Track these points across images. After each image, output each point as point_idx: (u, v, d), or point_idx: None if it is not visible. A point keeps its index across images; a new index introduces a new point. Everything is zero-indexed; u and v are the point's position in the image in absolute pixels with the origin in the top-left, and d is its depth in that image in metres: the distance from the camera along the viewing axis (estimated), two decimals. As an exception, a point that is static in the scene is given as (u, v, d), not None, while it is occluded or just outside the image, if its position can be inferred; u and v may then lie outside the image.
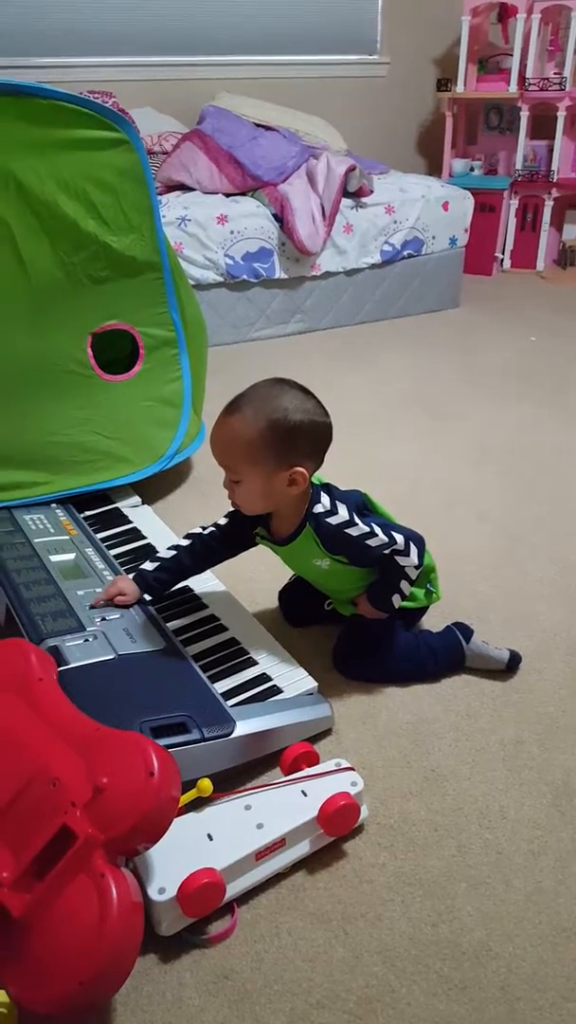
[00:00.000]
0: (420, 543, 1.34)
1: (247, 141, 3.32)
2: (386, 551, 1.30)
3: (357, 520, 1.29)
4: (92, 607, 1.39)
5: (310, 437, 1.23)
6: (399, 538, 1.31)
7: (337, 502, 1.30)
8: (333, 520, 1.28)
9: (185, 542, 1.41)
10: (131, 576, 1.43)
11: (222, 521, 1.40)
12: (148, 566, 1.42)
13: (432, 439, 2.37)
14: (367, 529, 1.28)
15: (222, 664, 1.32)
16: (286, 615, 1.57)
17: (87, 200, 1.67)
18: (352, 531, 1.28)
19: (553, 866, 1.08)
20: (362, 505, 1.37)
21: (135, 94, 3.60)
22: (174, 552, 1.41)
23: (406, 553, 1.32)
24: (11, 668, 1.10)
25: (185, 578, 1.46)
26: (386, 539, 1.29)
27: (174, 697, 1.19)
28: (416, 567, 1.34)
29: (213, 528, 1.40)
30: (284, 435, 1.19)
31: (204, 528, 1.42)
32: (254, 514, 1.31)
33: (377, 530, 1.29)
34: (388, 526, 1.32)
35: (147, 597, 1.42)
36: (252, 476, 1.22)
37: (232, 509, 1.37)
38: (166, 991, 0.95)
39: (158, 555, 1.43)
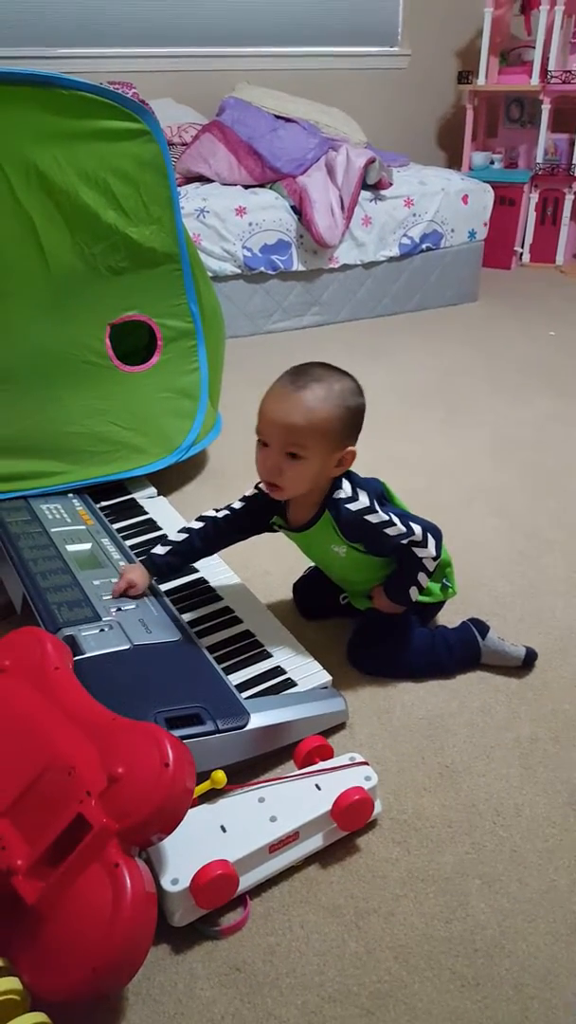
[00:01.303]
0: (438, 535, 1.35)
1: (267, 133, 3.31)
2: (404, 541, 1.30)
3: (377, 508, 1.29)
4: (111, 597, 1.40)
5: (362, 419, 1.27)
6: (417, 529, 1.31)
7: (358, 489, 1.30)
8: (353, 506, 1.28)
9: (197, 525, 1.41)
10: (141, 560, 1.43)
11: (237, 505, 1.39)
12: (159, 550, 1.41)
13: (450, 433, 2.36)
14: (386, 518, 1.29)
15: (236, 656, 1.32)
16: (300, 608, 1.57)
17: (108, 191, 1.67)
18: (371, 518, 1.28)
19: (568, 864, 1.08)
20: (381, 495, 1.37)
21: (155, 85, 3.59)
22: (186, 535, 1.40)
23: (424, 544, 1.32)
24: (28, 657, 1.10)
25: (195, 560, 1.47)
26: (404, 529, 1.29)
27: (189, 688, 1.19)
28: (434, 559, 1.34)
29: (227, 512, 1.39)
30: (354, 415, 1.24)
31: (218, 511, 1.40)
32: (294, 495, 1.28)
33: (396, 520, 1.29)
34: (407, 516, 1.32)
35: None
36: (317, 453, 1.21)
37: (249, 494, 1.38)
38: (178, 982, 0.95)
39: (169, 539, 1.42)
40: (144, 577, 1.41)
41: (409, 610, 1.41)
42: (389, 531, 1.29)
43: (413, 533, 1.30)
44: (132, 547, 1.62)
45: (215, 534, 1.41)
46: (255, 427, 1.23)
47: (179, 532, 1.42)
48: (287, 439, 1.20)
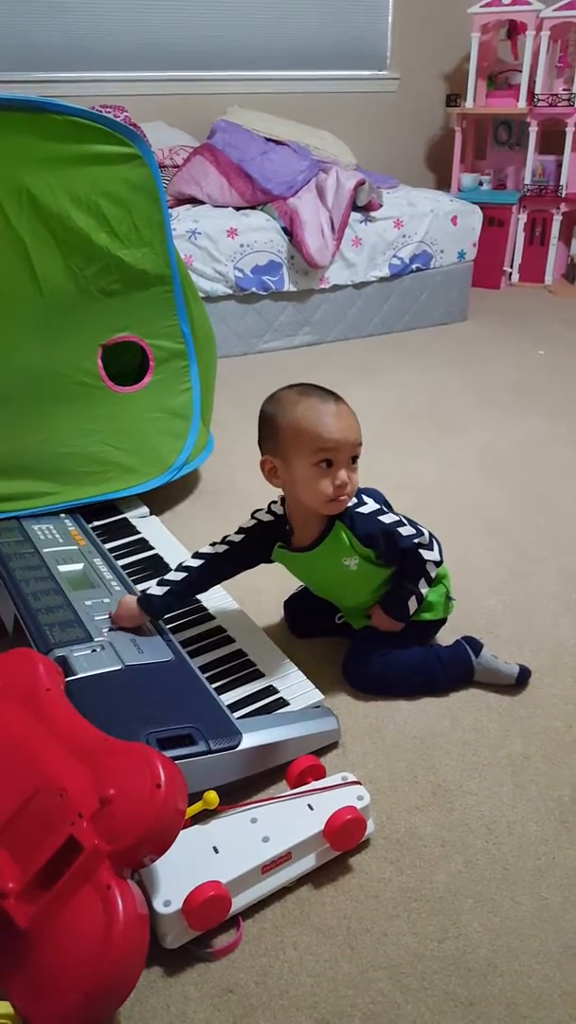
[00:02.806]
0: (439, 543, 1.40)
1: (257, 155, 3.34)
2: (415, 540, 1.34)
3: (386, 510, 1.35)
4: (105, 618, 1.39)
5: None
6: (425, 531, 1.36)
7: (363, 495, 1.35)
8: (364, 510, 1.33)
9: (195, 563, 1.38)
10: (138, 599, 1.37)
11: (235, 538, 1.38)
12: (157, 590, 1.36)
13: (440, 452, 2.38)
14: (397, 518, 1.34)
15: (229, 676, 1.33)
16: (291, 626, 1.57)
17: (99, 214, 1.69)
18: (384, 519, 1.33)
19: (560, 883, 1.08)
20: (384, 501, 1.42)
21: (146, 108, 3.63)
22: (184, 574, 1.37)
23: (430, 547, 1.37)
24: (19, 678, 1.10)
25: (192, 597, 1.46)
26: (414, 530, 1.34)
27: (181, 709, 1.19)
28: (437, 563, 1.38)
29: (226, 546, 1.38)
30: None
31: (214, 545, 1.39)
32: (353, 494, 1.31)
33: (405, 520, 1.35)
34: (412, 521, 1.37)
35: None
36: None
37: (247, 525, 1.38)
38: (170, 1004, 0.94)
39: (167, 578, 1.38)
40: (135, 618, 1.36)
41: (405, 628, 1.42)
42: (401, 530, 1.33)
43: (422, 534, 1.35)
44: (125, 567, 1.62)
45: (214, 571, 1.39)
46: (316, 455, 1.23)
47: (177, 571, 1.38)
48: (355, 450, 1.26)
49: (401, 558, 1.36)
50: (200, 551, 1.40)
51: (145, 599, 1.36)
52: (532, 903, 1.05)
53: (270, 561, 1.41)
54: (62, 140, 1.61)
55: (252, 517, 1.39)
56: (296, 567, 1.43)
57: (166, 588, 1.37)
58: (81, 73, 3.63)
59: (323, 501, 1.26)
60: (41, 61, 3.56)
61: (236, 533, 1.39)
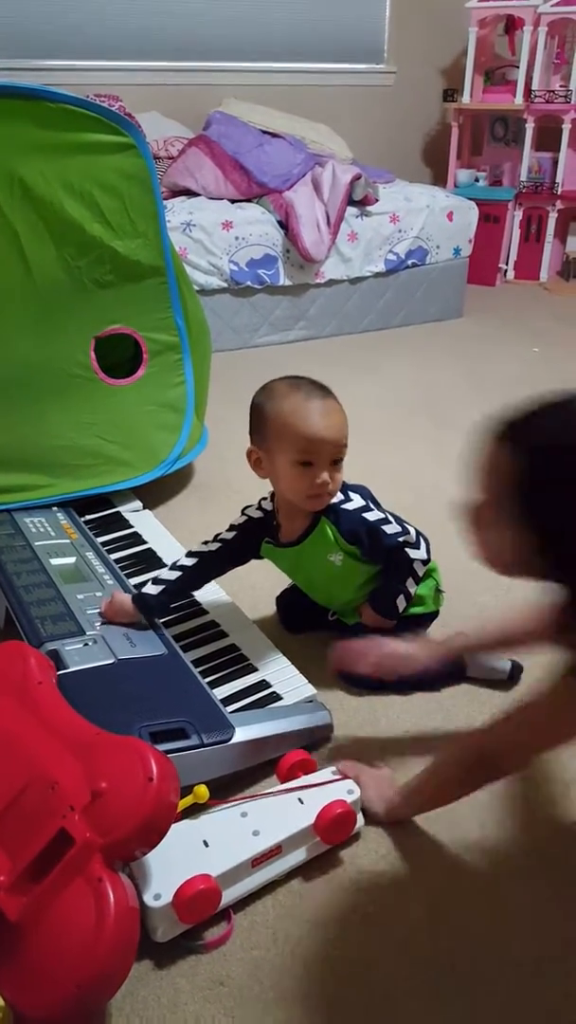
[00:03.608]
0: (427, 541, 1.39)
1: (253, 148, 3.33)
2: (400, 539, 1.33)
3: (372, 507, 1.34)
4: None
5: None
6: (411, 529, 1.36)
7: (350, 491, 1.34)
8: (349, 506, 1.32)
9: (190, 561, 1.38)
10: (133, 597, 1.37)
11: (228, 535, 1.39)
12: (152, 589, 1.36)
13: (435, 448, 2.37)
14: (383, 515, 1.34)
15: (222, 670, 1.33)
16: (284, 621, 1.57)
17: (93, 204, 1.68)
18: (369, 516, 1.32)
19: (550, 876, 1.08)
20: (372, 498, 1.40)
21: (142, 98, 3.61)
22: (179, 573, 1.37)
23: (416, 546, 1.36)
24: (10, 671, 1.10)
25: (186, 595, 1.45)
26: (399, 528, 1.34)
27: (173, 702, 1.19)
28: (424, 562, 1.38)
29: (219, 544, 1.39)
30: None
31: (207, 543, 1.40)
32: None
33: (391, 518, 1.34)
34: (400, 519, 1.35)
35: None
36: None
37: (238, 521, 1.39)
38: (162, 996, 0.94)
39: (162, 576, 1.38)
40: (131, 617, 1.36)
41: (398, 623, 1.42)
42: (387, 528, 1.32)
43: (408, 532, 1.35)
44: (117, 561, 1.61)
45: (208, 569, 1.40)
46: (298, 453, 1.22)
47: (172, 569, 1.39)
48: (339, 451, 1.24)
49: (387, 556, 1.36)
50: (193, 550, 1.40)
51: (140, 598, 1.36)
52: (523, 898, 1.05)
53: (260, 557, 1.42)
54: (56, 128, 1.60)
55: (243, 514, 1.40)
56: (283, 562, 1.43)
57: (161, 587, 1.36)
58: (76, 62, 3.61)
59: (303, 497, 1.26)
60: (36, 49, 3.54)
61: (228, 531, 1.39)
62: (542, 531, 0.80)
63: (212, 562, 1.39)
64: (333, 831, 1.08)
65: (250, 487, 1.46)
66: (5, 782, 0.94)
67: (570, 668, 0.89)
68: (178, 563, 1.39)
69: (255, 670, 1.33)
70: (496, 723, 0.99)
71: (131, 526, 1.77)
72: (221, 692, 1.26)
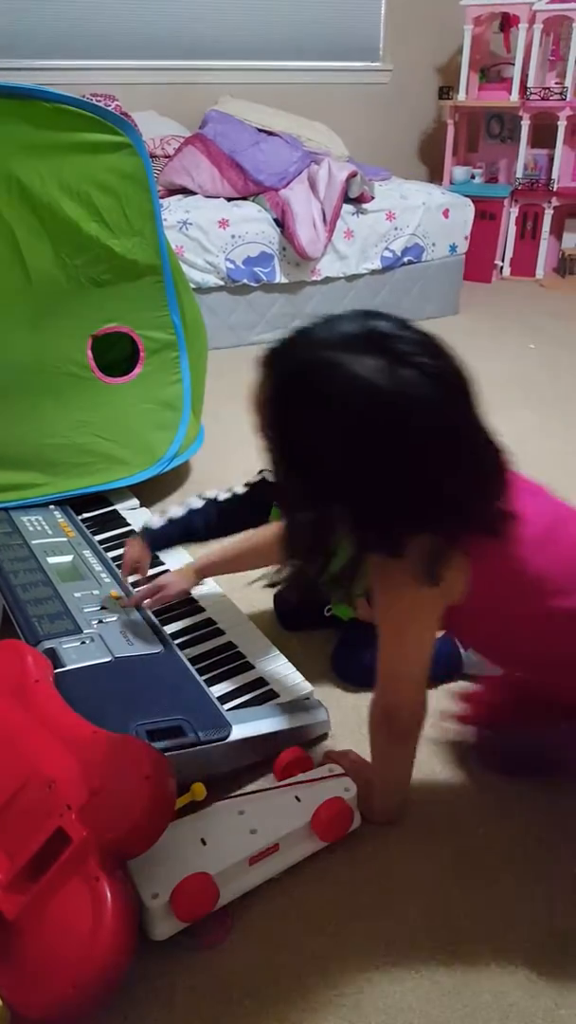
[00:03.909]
0: None
1: (249, 146, 3.33)
2: None
3: None
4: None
5: None
6: None
7: None
8: None
9: (198, 503, 1.39)
10: (140, 531, 1.41)
11: (240, 490, 1.40)
12: (155, 521, 1.40)
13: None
14: None
15: (219, 668, 1.32)
16: (281, 618, 1.57)
17: (89, 203, 1.67)
18: None
19: (551, 870, 1.08)
20: None
21: (138, 97, 3.60)
22: (184, 511, 1.40)
23: None
24: (7, 670, 1.10)
25: (190, 541, 1.46)
26: None
27: (170, 700, 1.19)
28: None
29: (229, 495, 1.39)
30: None
31: (218, 494, 1.41)
32: None
33: None
34: None
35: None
36: None
37: (254, 480, 1.39)
38: (159, 995, 0.94)
39: (167, 513, 1.41)
40: (144, 554, 1.40)
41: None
42: None
43: None
44: (114, 559, 1.61)
45: (216, 518, 1.40)
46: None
47: (177, 507, 1.41)
48: None
49: None
50: (203, 494, 1.41)
51: (144, 530, 1.40)
52: (520, 892, 1.06)
53: (266, 520, 1.42)
54: (51, 128, 1.59)
55: (259, 474, 1.40)
56: None
57: (164, 520, 1.40)
58: (72, 61, 3.60)
59: None
60: (31, 48, 3.53)
61: (241, 486, 1.40)
62: (292, 452, 0.88)
63: (220, 512, 1.40)
64: (330, 829, 1.08)
65: (247, 485, 1.46)
66: (2, 781, 0.94)
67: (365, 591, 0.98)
68: (185, 502, 1.42)
69: (252, 668, 1.33)
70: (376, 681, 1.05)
71: (128, 524, 1.77)
72: (218, 690, 1.26)
